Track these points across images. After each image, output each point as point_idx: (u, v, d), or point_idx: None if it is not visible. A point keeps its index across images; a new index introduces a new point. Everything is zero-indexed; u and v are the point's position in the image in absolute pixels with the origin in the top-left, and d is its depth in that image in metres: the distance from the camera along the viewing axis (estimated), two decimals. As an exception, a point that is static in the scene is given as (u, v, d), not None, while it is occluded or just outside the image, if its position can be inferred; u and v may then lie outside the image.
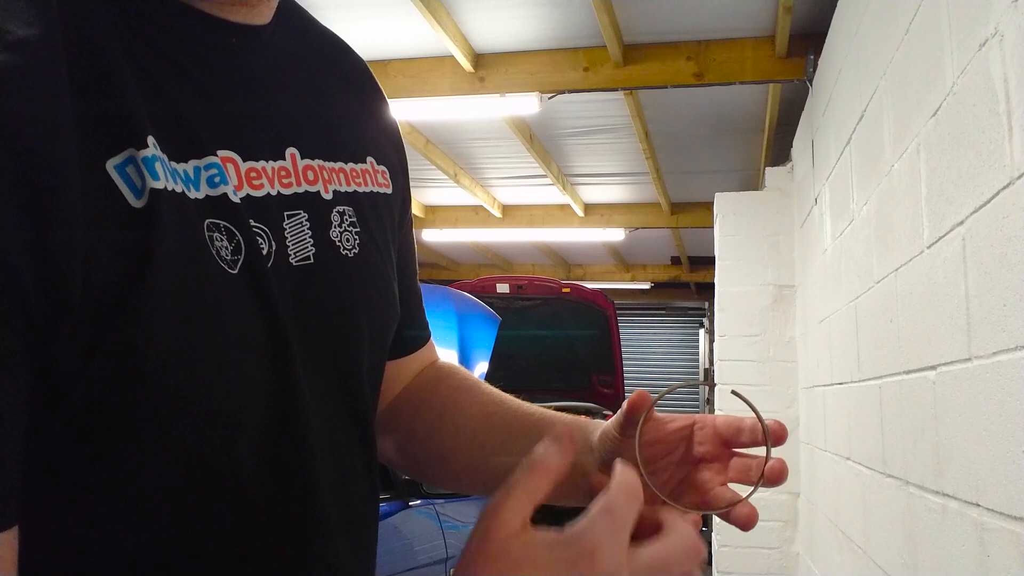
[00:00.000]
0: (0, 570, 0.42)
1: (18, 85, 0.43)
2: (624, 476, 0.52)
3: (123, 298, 0.47)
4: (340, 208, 0.64)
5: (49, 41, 0.46)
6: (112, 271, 0.47)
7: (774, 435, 0.58)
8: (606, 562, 0.48)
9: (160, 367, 0.49)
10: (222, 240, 0.53)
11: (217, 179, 0.54)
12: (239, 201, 0.55)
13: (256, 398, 0.55)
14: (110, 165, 0.48)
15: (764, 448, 0.61)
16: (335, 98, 0.70)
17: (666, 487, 0.64)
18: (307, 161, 0.62)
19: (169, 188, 0.50)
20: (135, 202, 0.48)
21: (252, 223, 0.57)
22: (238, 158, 0.57)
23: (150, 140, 0.50)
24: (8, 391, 0.43)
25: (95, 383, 0.47)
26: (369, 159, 0.70)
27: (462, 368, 0.86)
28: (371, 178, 0.69)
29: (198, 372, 0.51)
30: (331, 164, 0.65)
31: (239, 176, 0.57)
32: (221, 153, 0.56)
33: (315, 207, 0.61)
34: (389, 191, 0.71)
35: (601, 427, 0.69)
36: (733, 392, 0.63)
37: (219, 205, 0.54)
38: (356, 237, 0.64)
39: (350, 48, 0.77)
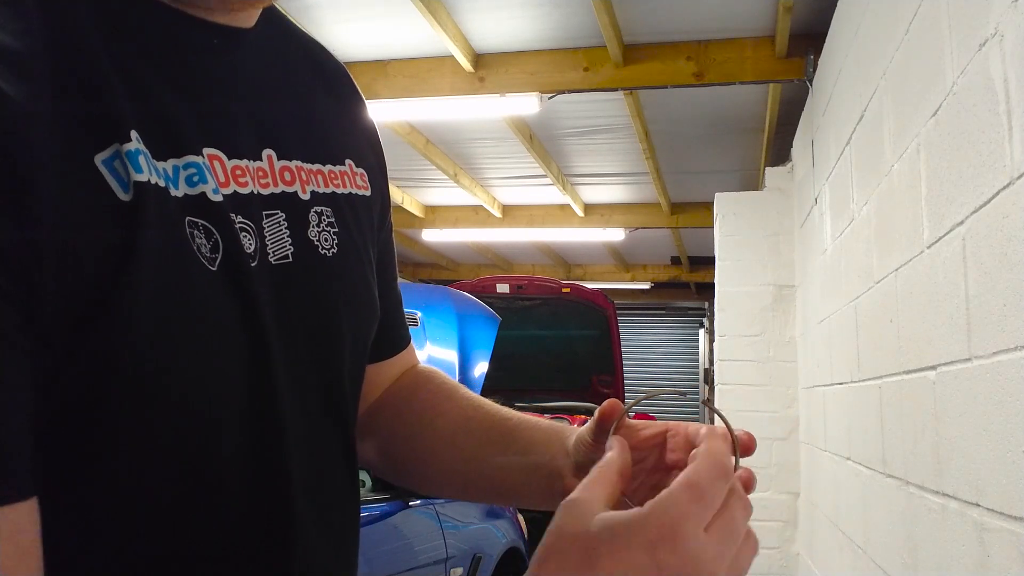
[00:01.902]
0: (20, 543, 0.41)
1: None
2: (712, 446, 0.50)
3: (106, 293, 0.47)
4: (318, 208, 0.64)
5: (28, 41, 0.46)
6: (98, 266, 0.47)
7: (742, 446, 0.58)
8: (689, 545, 0.44)
9: (141, 365, 0.48)
10: (201, 238, 0.53)
11: (196, 178, 0.54)
12: (220, 199, 0.55)
13: (235, 398, 0.55)
14: (98, 160, 0.48)
15: (746, 458, 0.61)
16: (315, 100, 0.70)
17: (637, 493, 0.63)
18: (284, 162, 0.62)
19: (152, 182, 0.50)
20: (123, 196, 0.49)
21: (240, 219, 0.57)
22: (224, 156, 0.57)
23: (133, 134, 0.50)
24: (13, 363, 0.43)
25: (76, 380, 0.47)
26: (348, 161, 0.70)
27: (442, 372, 0.87)
28: (349, 180, 0.69)
29: (178, 371, 0.51)
30: (309, 166, 0.65)
31: (226, 173, 0.57)
32: (207, 151, 0.56)
33: (293, 207, 0.62)
34: (367, 193, 0.72)
35: (576, 432, 0.69)
36: (704, 403, 0.63)
37: (197, 203, 0.54)
38: (334, 237, 0.65)
39: (329, 52, 0.77)
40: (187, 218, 0.53)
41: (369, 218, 0.72)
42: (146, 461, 0.50)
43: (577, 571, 0.45)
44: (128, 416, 0.49)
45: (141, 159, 0.50)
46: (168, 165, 0.53)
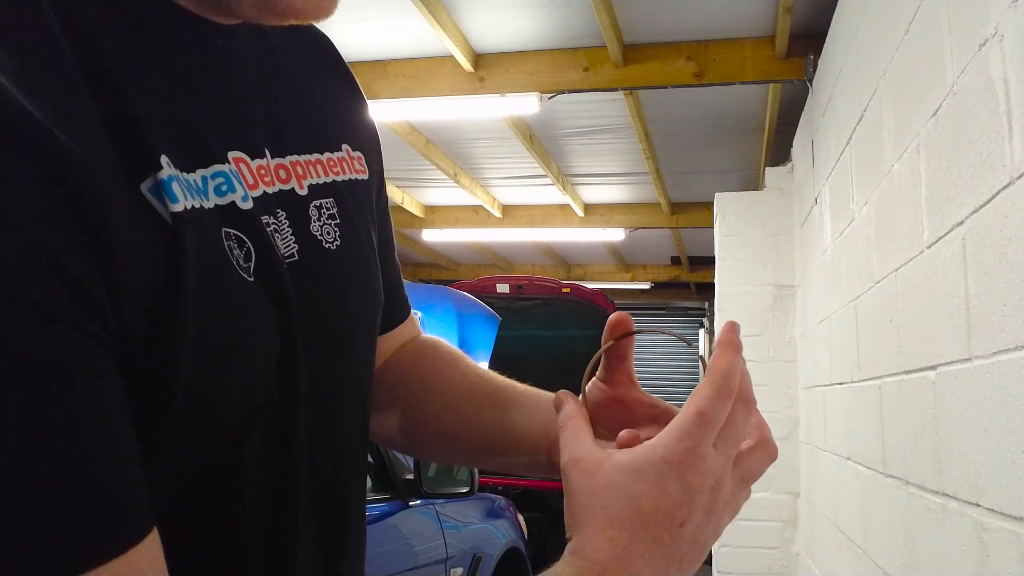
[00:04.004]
0: (159, 572, 0.43)
1: (53, 121, 0.43)
2: (715, 366, 0.54)
3: (160, 322, 0.47)
4: (317, 202, 0.64)
5: (66, 73, 0.45)
6: (157, 297, 0.47)
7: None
8: (707, 463, 0.52)
9: (186, 389, 0.48)
10: (236, 248, 0.53)
11: (224, 187, 0.54)
12: (249, 207, 0.55)
13: (265, 401, 0.55)
14: (144, 188, 0.48)
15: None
16: (309, 86, 0.70)
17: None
18: (278, 159, 0.61)
19: (188, 206, 0.50)
20: (169, 221, 0.48)
21: (270, 220, 0.57)
22: (247, 157, 0.57)
23: (163, 160, 0.49)
24: (118, 404, 0.43)
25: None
26: (345, 146, 0.70)
27: (446, 342, 0.87)
28: (348, 165, 0.69)
29: (222, 387, 0.51)
30: (307, 156, 0.64)
31: (253, 174, 0.57)
32: (232, 155, 0.56)
33: (292, 204, 0.61)
34: (365, 176, 0.72)
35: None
36: (700, 358, 0.65)
37: (228, 213, 0.54)
38: (336, 229, 0.65)
39: (315, 27, 0.75)
40: (223, 229, 0.53)
41: (368, 201, 0.72)
42: (178, 471, 0.50)
43: (625, 516, 0.51)
44: (168, 438, 0.49)
45: (175, 186, 0.49)
46: (197, 176, 0.52)
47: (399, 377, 0.81)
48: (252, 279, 0.54)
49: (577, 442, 0.56)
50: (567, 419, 0.58)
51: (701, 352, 10.85)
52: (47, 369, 0.40)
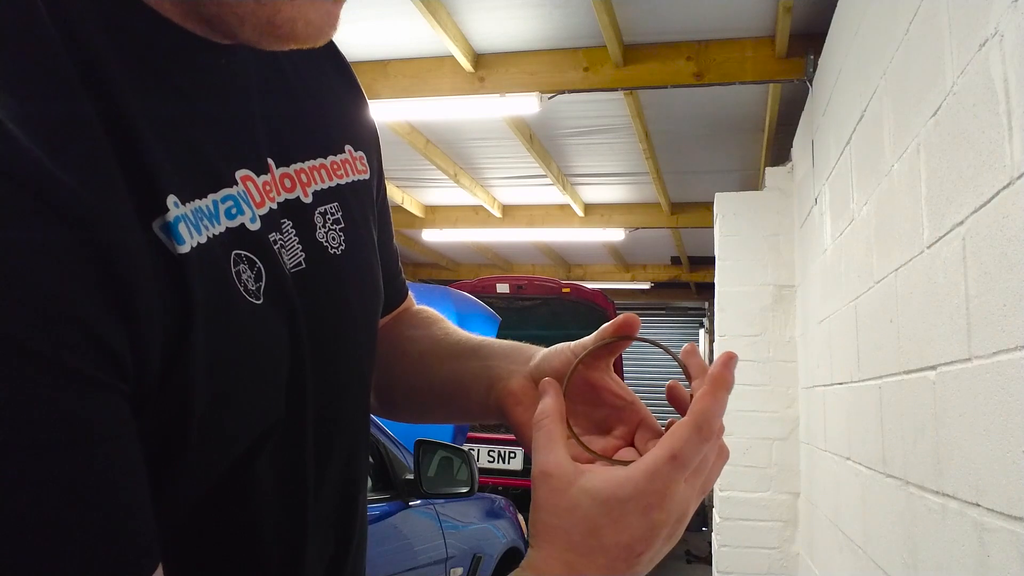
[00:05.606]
0: None
1: (67, 167, 0.42)
2: (699, 407, 0.54)
3: (172, 359, 0.47)
4: (322, 209, 0.64)
5: (77, 104, 0.44)
6: (167, 333, 0.46)
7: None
8: (675, 501, 0.53)
9: (203, 419, 0.48)
10: (246, 271, 0.53)
11: (234, 210, 0.54)
12: (257, 227, 0.55)
13: (275, 423, 0.55)
14: (155, 227, 0.47)
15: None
16: (311, 87, 0.69)
17: (577, 417, 0.65)
18: (283, 169, 0.61)
19: (195, 244, 0.49)
20: (178, 255, 0.48)
21: (276, 236, 0.57)
22: (254, 175, 0.57)
23: (171, 200, 0.48)
24: (132, 455, 0.43)
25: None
26: (347, 147, 0.70)
27: (429, 309, 0.88)
28: (351, 167, 0.69)
29: (238, 414, 0.51)
30: (311, 163, 0.64)
31: (260, 192, 0.57)
32: (239, 174, 0.56)
33: (298, 213, 0.61)
34: (367, 176, 0.72)
35: (549, 348, 0.70)
36: (680, 363, 0.62)
37: (238, 236, 0.54)
38: (341, 234, 0.65)
39: None
40: (233, 252, 0.53)
41: (370, 200, 0.72)
42: (186, 483, 0.50)
43: (585, 544, 0.53)
44: (179, 461, 0.49)
45: (181, 227, 0.49)
46: (208, 201, 0.52)
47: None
48: (261, 301, 0.53)
49: (549, 452, 0.56)
50: (543, 418, 0.59)
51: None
52: (65, 426, 0.40)
